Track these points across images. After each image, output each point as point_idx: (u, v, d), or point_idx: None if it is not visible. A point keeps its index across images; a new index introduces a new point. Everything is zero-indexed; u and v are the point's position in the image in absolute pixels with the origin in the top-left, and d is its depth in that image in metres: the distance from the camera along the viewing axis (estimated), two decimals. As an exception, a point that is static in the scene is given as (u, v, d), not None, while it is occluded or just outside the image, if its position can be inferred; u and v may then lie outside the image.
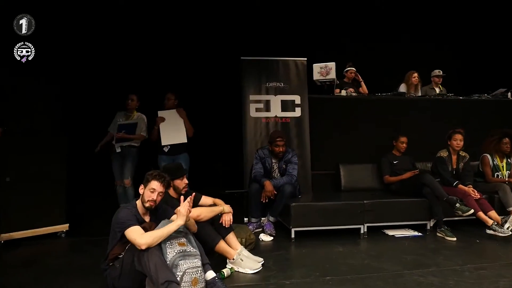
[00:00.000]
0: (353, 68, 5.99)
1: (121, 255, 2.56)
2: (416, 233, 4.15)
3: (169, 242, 2.54)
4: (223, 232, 3.15)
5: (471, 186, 4.36)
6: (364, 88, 5.98)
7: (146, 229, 2.54)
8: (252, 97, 4.74)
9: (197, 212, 2.87)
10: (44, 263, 3.32)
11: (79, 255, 3.57)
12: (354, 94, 5.57)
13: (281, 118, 4.78)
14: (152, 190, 2.64)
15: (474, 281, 2.87)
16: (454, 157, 4.56)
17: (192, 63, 6.03)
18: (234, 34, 6.09)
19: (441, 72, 6.27)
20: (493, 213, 4.10)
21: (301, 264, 3.27)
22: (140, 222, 2.62)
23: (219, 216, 3.17)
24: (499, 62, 6.73)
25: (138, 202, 2.71)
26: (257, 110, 4.75)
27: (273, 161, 4.29)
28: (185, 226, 2.69)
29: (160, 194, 2.68)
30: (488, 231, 3.95)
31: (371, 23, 6.98)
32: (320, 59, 5.36)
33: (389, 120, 5.10)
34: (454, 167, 4.56)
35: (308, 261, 3.33)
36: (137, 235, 2.43)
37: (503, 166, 4.63)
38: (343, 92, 5.48)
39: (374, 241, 3.95)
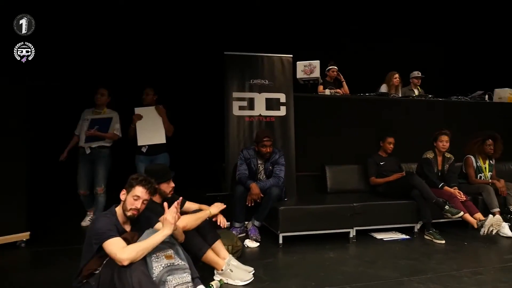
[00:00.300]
0: (335, 67, 5.86)
1: (98, 271, 2.23)
2: (404, 236, 4.05)
3: (154, 255, 2.24)
4: (209, 240, 2.88)
5: (456, 188, 4.33)
6: (345, 88, 5.87)
7: (128, 241, 2.23)
8: (235, 95, 4.48)
9: (183, 223, 2.58)
10: (1, 280, 2.90)
11: (43, 269, 3.15)
12: (338, 93, 5.44)
13: (265, 117, 4.55)
14: (135, 198, 2.33)
15: (474, 287, 2.77)
16: (439, 159, 4.52)
17: (173, 55, 5.65)
18: (217, 27, 5.79)
19: (420, 73, 6.27)
20: (478, 215, 4.07)
21: (293, 273, 3.05)
22: (121, 232, 2.30)
23: (206, 221, 2.89)
24: (476, 65, 6.85)
25: (118, 209, 2.39)
26: (241, 108, 4.49)
27: (259, 162, 4.05)
28: (172, 236, 2.39)
29: (145, 202, 2.37)
30: (483, 232, 3.86)
31: (350, 23, 6.90)
32: (303, 57, 5.18)
33: (375, 120, 5.00)
34: (440, 168, 4.52)
35: (301, 269, 3.12)
36: (118, 249, 2.11)
37: (485, 168, 4.65)
38: (327, 91, 5.33)
39: (363, 245, 3.80)
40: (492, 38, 6.82)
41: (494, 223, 3.89)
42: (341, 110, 4.97)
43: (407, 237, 4.04)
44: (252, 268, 2.96)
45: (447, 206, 3.96)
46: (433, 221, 4.09)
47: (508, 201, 4.42)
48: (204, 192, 4.21)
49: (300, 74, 5.22)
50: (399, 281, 2.87)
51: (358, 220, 3.91)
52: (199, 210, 3.01)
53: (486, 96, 5.79)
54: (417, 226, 4.17)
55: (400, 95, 5.93)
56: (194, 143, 5.49)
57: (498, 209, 4.27)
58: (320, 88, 5.57)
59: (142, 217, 2.43)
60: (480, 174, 4.63)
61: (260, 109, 4.54)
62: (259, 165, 4.06)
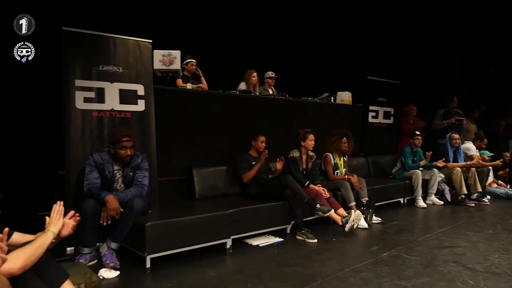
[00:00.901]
0: (194, 60, 5.38)
1: None
2: (278, 239, 3.87)
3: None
4: (55, 282, 2.01)
5: (320, 185, 4.43)
6: (204, 83, 5.45)
7: None
8: (79, 83, 3.48)
9: (19, 262, 1.68)
10: None
11: None
12: (200, 88, 4.98)
13: (120, 112, 3.70)
14: None
15: (364, 287, 2.71)
16: (304, 157, 4.55)
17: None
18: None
19: (274, 74, 6.36)
20: (341, 211, 4.23)
21: (173, 306, 2.43)
22: None
23: (48, 255, 2.02)
24: (322, 68, 7.40)
25: None
26: (86, 100, 3.53)
27: (116, 167, 3.23)
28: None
29: None
30: (347, 229, 3.97)
31: (209, 18, 6.53)
32: (159, 47, 4.52)
33: (242, 118, 4.72)
34: (304, 167, 4.55)
35: (181, 300, 2.52)
36: None
37: (341, 164, 4.92)
38: (189, 86, 4.81)
39: (242, 255, 3.43)
40: (334, 46, 7.50)
41: (355, 218, 4.07)
42: (206, 106, 4.50)
43: (281, 239, 3.88)
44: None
45: (318, 204, 3.96)
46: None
47: (360, 194, 4.76)
48: (36, 211, 3.13)
49: (157, 65, 4.55)
50: (294, 294, 2.59)
51: (235, 228, 3.53)
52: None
53: (332, 98, 6.25)
54: (289, 227, 4.06)
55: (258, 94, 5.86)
56: (22, 144, 4.10)
57: (354, 203, 4.55)
58: (179, 81, 5.01)
59: None
60: (337, 171, 4.88)
61: (112, 102, 3.67)
62: (115, 171, 3.24)
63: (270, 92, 6.24)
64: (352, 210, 4.16)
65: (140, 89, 3.84)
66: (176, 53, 4.59)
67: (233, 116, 4.67)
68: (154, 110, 3.92)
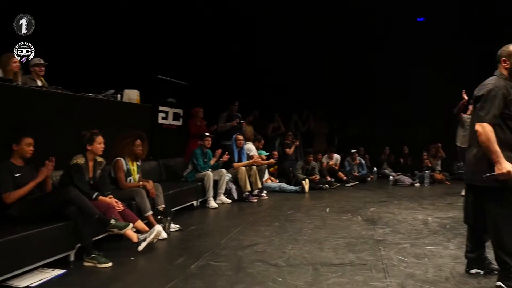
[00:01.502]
0: None
1: None
2: (58, 272, 2.99)
3: None
4: None
5: (111, 196, 3.75)
6: None
7: None
8: None
9: None
10: None
11: None
12: None
13: None
14: None
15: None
16: (90, 164, 3.74)
17: None
18: None
19: (43, 60, 5.12)
20: (139, 224, 3.71)
21: None
22: None
23: None
24: (107, 62, 6.42)
25: None
26: None
27: None
28: None
29: None
30: (143, 244, 3.43)
31: None
32: None
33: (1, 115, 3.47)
34: (91, 175, 3.74)
35: None
36: None
37: (134, 170, 4.35)
38: None
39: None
40: (122, 40, 6.69)
41: (156, 235, 3.58)
42: None
43: (62, 271, 3.01)
44: None
45: (112, 220, 3.29)
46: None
47: (156, 202, 4.32)
48: None
49: None
50: None
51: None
52: None
53: (118, 96, 5.56)
54: (73, 253, 3.22)
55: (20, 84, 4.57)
56: None
57: (151, 212, 4.08)
58: None
59: None
60: (130, 177, 4.28)
61: None
62: None
63: (39, 83, 4.99)
64: (154, 228, 3.66)
65: None
66: None
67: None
68: None
